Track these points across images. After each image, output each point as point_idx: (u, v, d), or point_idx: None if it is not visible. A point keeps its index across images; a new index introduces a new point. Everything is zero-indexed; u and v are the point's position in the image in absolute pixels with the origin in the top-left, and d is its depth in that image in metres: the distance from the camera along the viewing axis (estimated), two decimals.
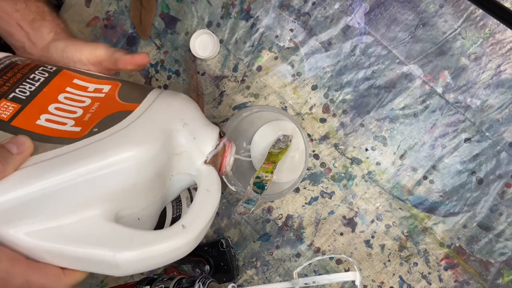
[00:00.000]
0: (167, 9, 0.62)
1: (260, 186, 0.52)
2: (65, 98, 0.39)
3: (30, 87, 0.38)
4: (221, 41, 0.60)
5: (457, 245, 0.53)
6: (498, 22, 0.47)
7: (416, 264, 0.55)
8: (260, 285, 0.57)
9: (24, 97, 0.37)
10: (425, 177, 0.54)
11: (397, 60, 0.54)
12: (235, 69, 0.60)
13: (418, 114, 0.54)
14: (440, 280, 0.54)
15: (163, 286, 0.47)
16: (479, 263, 0.53)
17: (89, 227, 0.33)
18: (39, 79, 0.40)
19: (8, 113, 0.35)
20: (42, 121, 0.36)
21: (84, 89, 0.41)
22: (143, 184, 0.36)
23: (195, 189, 0.41)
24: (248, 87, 0.60)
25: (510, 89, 0.51)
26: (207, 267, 0.58)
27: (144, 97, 0.40)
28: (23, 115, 0.36)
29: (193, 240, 0.35)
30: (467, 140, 0.52)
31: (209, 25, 0.60)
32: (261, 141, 0.60)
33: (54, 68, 0.42)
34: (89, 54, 0.44)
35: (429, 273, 0.54)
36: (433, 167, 0.54)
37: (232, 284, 0.51)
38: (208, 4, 0.60)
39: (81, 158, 0.33)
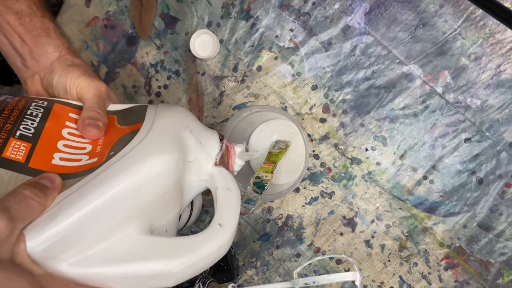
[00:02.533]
0: (167, 9, 0.62)
1: (260, 186, 0.52)
2: (69, 134, 0.40)
3: (32, 123, 0.39)
4: (221, 41, 0.60)
5: (457, 245, 0.53)
6: (498, 22, 0.47)
7: (416, 264, 0.55)
8: (260, 285, 0.57)
9: (30, 135, 0.38)
10: (425, 177, 0.54)
11: (397, 60, 0.54)
12: (235, 69, 0.60)
13: (418, 114, 0.54)
14: (440, 280, 0.54)
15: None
16: (479, 263, 0.53)
17: (129, 244, 0.33)
18: (37, 114, 0.40)
19: (22, 154, 0.36)
20: (57, 160, 0.37)
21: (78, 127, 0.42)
22: (170, 193, 0.37)
23: (205, 194, 0.42)
24: (248, 87, 0.60)
25: (510, 89, 0.51)
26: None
27: (144, 114, 0.41)
28: (37, 156, 0.36)
29: (231, 237, 0.36)
30: (467, 140, 0.52)
31: (209, 25, 0.60)
32: (258, 142, 0.60)
33: (46, 103, 0.42)
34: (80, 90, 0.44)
35: (429, 273, 0.54)
36: (433, 167, 0.54)
37: (232, 284, 0.51)
38: (208, 4, 0.60)
39: (108, 180, 0.33)
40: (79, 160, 0.37)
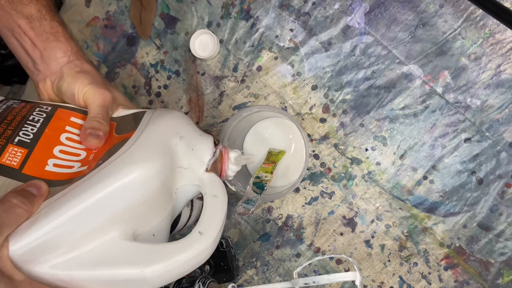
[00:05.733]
0: (167, 9, 0.62)
1: (259, 186, 0.52)
2: (67, 139, 0.41)
3: (32, 129, 0.40)
4: (221, 41, 0.60)
5: (457, 245, 0.53)
6: (498, 22, 0.47)
7: (416, 264, 0.55)
8: (260, 285, 0.57)
9: (28, 140, 0.39)
10: (425, 177, 0.54)
11: (397, 60, 0.54)
12: (235, 69, 0.60)
13: (418, 114, 0.54)
14: (440, 280, 0.54)
15: (163, 286, 0.47)
16: (479, 263, 0.53)
17: (110, 249, 0.34)
18: (39, 120, 0.41)
19: (18, 160, 0.37)
20: (50, 166, 0.38)
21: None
22: (153, 199, 0.37)
23: (199, 198, 0.42)
24: (248, 87, 0.60)
25: (510, 89, 0.51)
26: (207, 267, 0.58)
27: (139, 122, 0.42)
28: (31, 162, 0.37)
29: (211, 245, 0.37)
30: (467, 140, 0.52)
31: (209, 25, 0.60)
32: (255, 141, 0.60)
33: (50, 108, 0.43)
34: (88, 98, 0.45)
35: (429, 273, 0.54)
36: (433, 167, 0.54)
37: (232, 284, 0.51)
38: (208, 4, 0.60)
39: (88, 188, 0.34)
40: (71, 167, 0.38)
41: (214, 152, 0.43)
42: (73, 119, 0.44)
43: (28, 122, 0.40)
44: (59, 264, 0.33)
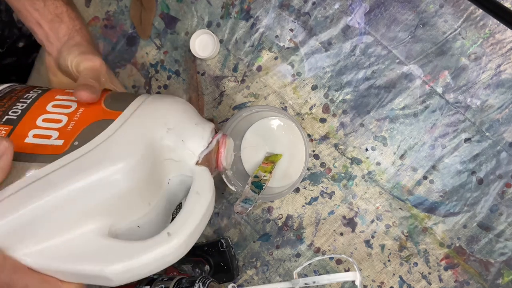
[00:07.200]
0: (167, 9, 0.62)
1: (258, 185, 0.52)
2: (53, 106, 0.40)
3: (22, 106, 0.39)
4: (221, 41, 0.60)
5: (457, 245, 0.53)
6: (498, 22, 0.47)
7: (416, 264, 0.55)
8: (260, 285, 0.57)
9: (15, 117, 0.38)
10: (425, 177, 0.54)
11: (397, 60, 0.54)
12: (235, 69, 0.60)
13: (418, 114, 0.54)
14: (440, 280, 0.54)
15: (163, 286, 0.47)
16: (479, 263, 0.53)
17: (83, 244, 0.34)
18: (32, 96, 0.41)
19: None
20: (30, 138, 0.37)
21: (72, 94, 0.42)
22: (131, 194, 0.36)
23: None
24: (248, 87, 0.60)
25: (510, 89, 0.51)
26: (207, 267, 0.58)
27: (128, 104, 0.40)
28: (13, 136, 0.37)
29: (180, 247, 0.35)
30: (467, 140, 0.52)
31: (209, 25, 0.60)
32: (252, 143, 0.60)
33: (49, 88, 0.43)
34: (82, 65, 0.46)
35: (429, 273, 0.54)
36: (433, 167, 0.54)
37: (232, 284, 0.51)
38: (208, 4, 0.60)
39: (63, 179, 0.34)
40: (49, 137, 0.37)
41: (210, 143, 0.41)
42: (67, 90, 0.43)
43: (21, 100, 0.40)
44: (32, 253, 0.33)
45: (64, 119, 0.39)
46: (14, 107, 0.39)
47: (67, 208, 0.34)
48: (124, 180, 0.35)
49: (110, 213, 0.35)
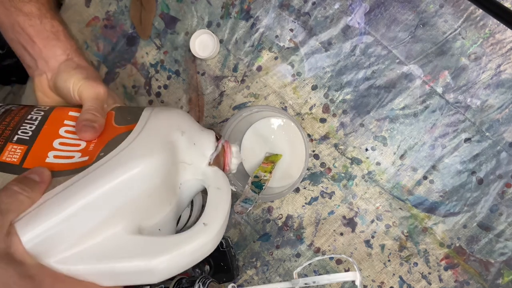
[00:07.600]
0: (167, 9, 0.62)
1: (258, 185, 0.52)
2: (66, 131, 0.42)
3: (30, 127, 0.41)
4: (221, 41, 0.60)
5: (457, 245, 0.53)
6: (498, 22, 0.47)
7: (416, 264, 0.55)
8: (260, 285, 0.57)
9: (28, 138, 0.39)
10: (425, 177, 0.54)
11: (397, 60, 0.54)
12: (235, 69, 0.60)
13: (418, 114, 0.54)
14: (440, 280, 0.54)
15: (163, 286, 0.47)
16: (479, 263, 0.53)
17: (115, 243, 0.35)
18: (37, 118, 0.42)
19: (18, 156, 0.38)
20: (51, 158, 0.38)
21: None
22: (157, 193, 0.38)
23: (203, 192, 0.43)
24: (248, 87, 0.60)
25: (510, 89, 0.51)
26: (207, 267, 0.58)
27: (139, 116, 0.42)
28: (31, 156, 0.38)
29: (216, 236, 0.37)
30: (467, 140, 0.52)
31: (209, 25, 0.60)
32: (252, 143, 0.60)
33: (47, 108, 0.44)
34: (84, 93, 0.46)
35: (429, 273, 0.54)
36: (433, 167, 0.54)
37: (232, 284, 0.51)
38: (208, 4, 0.60)
39: (93, 181, 0.35)
40: (72, 157, 0.39)
41: (216, 147, 0.44)
42: (71, 113, 0.44)
43: (26, 121, 0.41)
44: (65, 259, 0.34)
45: (82, 143, 0.41)
46: (22, 127, 0.40)
47: (99, 210, 0.35)
48: (151, 177, 0.37)
49: (139, 211, 0.37)
